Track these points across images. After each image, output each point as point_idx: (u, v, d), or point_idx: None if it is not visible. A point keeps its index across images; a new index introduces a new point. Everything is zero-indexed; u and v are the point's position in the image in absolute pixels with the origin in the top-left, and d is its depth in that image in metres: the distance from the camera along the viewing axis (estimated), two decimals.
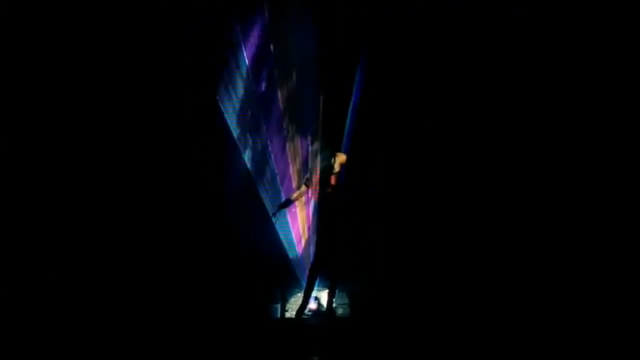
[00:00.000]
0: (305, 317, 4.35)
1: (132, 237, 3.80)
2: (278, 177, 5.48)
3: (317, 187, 4.20)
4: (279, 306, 4.68)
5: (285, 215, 5.57)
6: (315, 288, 5.31)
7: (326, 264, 4.13)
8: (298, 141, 5.13)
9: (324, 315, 4.42)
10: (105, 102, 3.81)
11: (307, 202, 5.56)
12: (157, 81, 4.06)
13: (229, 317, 3.99)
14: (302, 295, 4.19)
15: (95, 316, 3.20)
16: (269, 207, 4.88)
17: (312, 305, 5.09)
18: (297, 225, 6.26)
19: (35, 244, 3.26)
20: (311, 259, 4.29)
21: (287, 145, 5.42)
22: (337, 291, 4.78)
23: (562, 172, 3.80)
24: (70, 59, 3.66)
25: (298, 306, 4.18)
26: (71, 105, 3.66)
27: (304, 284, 4.26)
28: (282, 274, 5.06)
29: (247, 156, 4.96)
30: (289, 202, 4.40)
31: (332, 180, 4.13)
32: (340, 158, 4.22)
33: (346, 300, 4.95)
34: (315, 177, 4.18)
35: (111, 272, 3.61)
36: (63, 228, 3.45)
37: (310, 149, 4.35)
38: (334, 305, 4.27)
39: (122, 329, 3.10)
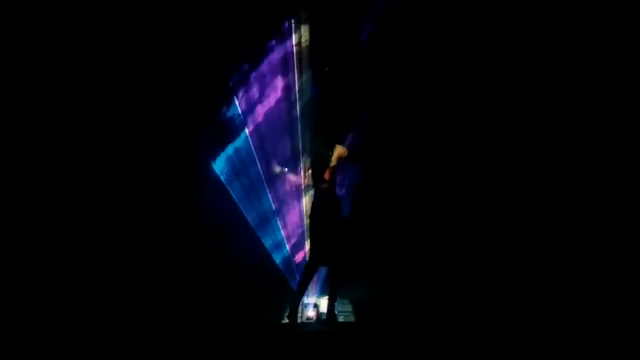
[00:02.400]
0: (302, 323, 4.05)
1: (126, 241, 3.61)
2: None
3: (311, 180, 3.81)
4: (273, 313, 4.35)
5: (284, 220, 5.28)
6: (315, 295, 5.03)
7: (322, 263, 3.76)
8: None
9: (324, 322, 4.07)
10: (103, 102, 3.72)
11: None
12: (155, 82, 3.99)
13: (222, 325, 3.70)
14: (295, 295, 3.78)
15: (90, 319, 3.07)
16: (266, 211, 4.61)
17: (311, 312, 4.81)
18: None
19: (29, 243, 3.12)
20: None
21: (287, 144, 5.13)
22: (338, 298, 4.47)
23: (561, 170, 3.61)
24: (68, 57, 3.60)
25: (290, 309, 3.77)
26: (69, 104, 3.58)
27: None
28: (278, 280, 4.75)
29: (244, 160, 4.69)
30: (284, 174, 3.98)
31: (327, 175, 3.73)
32: (339, 151, 3.75)
33: (349, 308, 4.63)
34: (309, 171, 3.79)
35: (107, 274, 3.44)
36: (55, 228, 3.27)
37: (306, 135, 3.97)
38: (335, 312, 3.90)
39: (115, 334, 2.99)
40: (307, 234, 4.72)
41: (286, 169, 3.97)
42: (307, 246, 4.20)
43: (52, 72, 3.71)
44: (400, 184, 4.29)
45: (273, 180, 4.59)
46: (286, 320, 3.76)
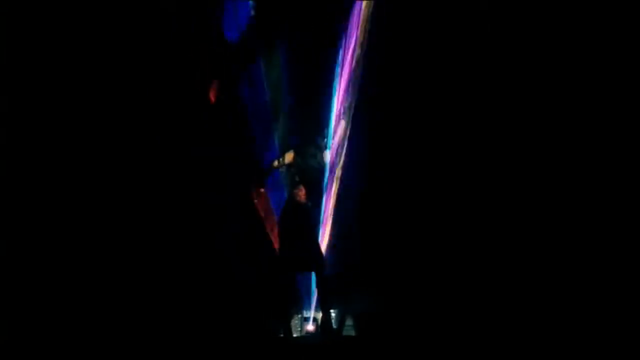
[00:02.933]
0: (301, 336, 3.82)
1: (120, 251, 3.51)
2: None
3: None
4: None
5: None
6: (315, 309, 4.81)
7: (301, 269, 3.61)
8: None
9: (322, 335, 3.85)
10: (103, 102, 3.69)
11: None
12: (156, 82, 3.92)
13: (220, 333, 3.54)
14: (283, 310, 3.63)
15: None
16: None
17: (311, 326, 4.60)
18: None
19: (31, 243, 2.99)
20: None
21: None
22: (337, 311, 4.25)
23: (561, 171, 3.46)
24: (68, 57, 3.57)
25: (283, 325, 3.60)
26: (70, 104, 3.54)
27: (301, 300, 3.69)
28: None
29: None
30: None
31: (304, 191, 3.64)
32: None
33: (349, 322, 4.39)
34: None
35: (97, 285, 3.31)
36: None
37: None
38: (332, 324, 3.68)
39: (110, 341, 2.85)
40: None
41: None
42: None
43: (52, 72, 3.67)
44: (401, 186, 4.11)
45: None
46: (282, 335, 3.56)
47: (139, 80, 3.97)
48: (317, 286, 3.61)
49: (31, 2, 3.57)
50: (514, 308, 3.28)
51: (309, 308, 4.72)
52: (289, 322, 3.64)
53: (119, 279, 3.53)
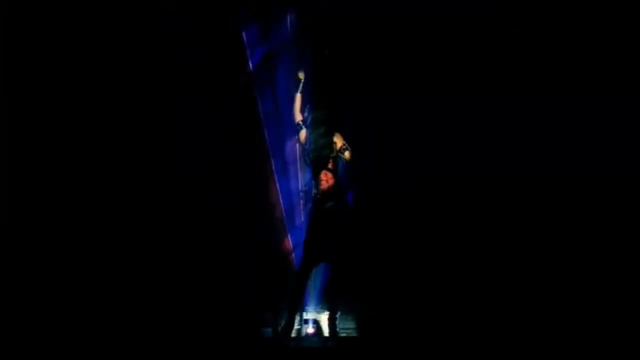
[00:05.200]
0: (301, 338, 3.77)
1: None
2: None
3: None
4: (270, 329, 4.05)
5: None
6: (314, 309, 4.74)
7: (320, 261, 3.36)
8: None
9: (325, 338, 3.79)
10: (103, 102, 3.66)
11: None
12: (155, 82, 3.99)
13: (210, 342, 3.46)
14: (287, 309, 3.34)
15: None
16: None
17: (311, 329, 4.53)
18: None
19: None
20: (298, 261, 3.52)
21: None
22: (340, 313, 4.19)
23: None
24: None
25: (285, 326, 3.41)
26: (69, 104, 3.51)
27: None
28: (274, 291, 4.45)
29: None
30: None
31: (330, 165, 3.25)
32: (339, 141, 3.34)
33: (352, 325, 4.33)
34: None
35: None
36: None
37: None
38: (337, 327, 3.60)
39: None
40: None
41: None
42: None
43: (53, 72, 3.61)
44: (403, 188, 4.07)
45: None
46: (280, 337, 3.46)
47: (141, 80, 3.93)
48: (328, 286, 3.43)
49: (31, 2, 3.52)
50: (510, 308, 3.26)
51: (308, 310, 4.66)
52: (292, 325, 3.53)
53: (119, 277, 3.48)
